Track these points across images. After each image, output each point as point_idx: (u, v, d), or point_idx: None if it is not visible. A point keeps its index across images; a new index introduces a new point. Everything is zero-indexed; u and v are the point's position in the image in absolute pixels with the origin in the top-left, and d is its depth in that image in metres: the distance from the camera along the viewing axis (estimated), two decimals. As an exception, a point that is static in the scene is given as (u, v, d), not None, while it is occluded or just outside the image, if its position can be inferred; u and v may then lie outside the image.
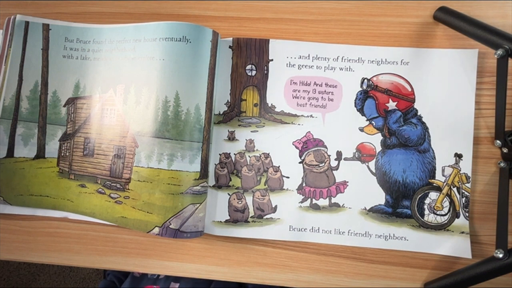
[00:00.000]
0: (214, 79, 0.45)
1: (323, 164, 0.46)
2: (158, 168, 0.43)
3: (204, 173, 0.44)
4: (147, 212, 0.42)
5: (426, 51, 0.46)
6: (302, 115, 0.46)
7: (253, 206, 0.45)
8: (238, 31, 0.48)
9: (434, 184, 0.45)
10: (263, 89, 0.47)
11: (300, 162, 0.46)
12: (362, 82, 0.46)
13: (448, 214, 0.44)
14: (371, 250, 0.45)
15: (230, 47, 0.48)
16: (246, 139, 0.47)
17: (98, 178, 0.45)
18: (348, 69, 0.47)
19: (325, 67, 0.47)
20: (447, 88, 0.45)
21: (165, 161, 0.43)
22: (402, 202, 0.45)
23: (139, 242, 0.46)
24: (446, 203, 0.44)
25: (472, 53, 0.45)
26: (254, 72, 0.47)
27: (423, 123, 0.45)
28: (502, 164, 0.43)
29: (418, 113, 0.46)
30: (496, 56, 0.39)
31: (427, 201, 0.45)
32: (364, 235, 0.44)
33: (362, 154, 0.46)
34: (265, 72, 0.47)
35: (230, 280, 0.45)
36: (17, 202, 0.46)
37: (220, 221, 0.45)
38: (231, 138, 0.47)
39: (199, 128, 0.44)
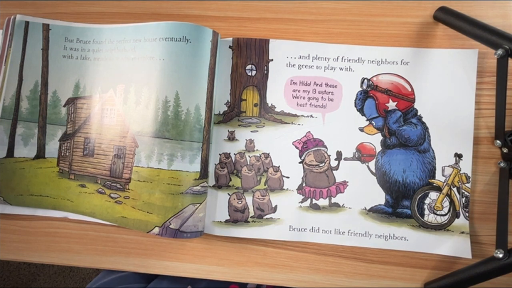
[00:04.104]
0: (214, 79, 0.45)
1: (323, 164, 0.46)
2: (158, 168, 0.43)
3: (204, 173, 0.44)
4: (147, 212, 0.42)
5: (426, 51, 0.46)
6: (302, 115, 0.46)
7: (253, 206, 0.45)
8: (238, 31, 0.48)
9: (434, 184, 0.45)
10: (263, 89, 0.47)
11: (300, 162, 0.46)
12: (362, 82, 0.46)
13: (448, 214, 0.44)
14: (371, 250, 0.45)
15: (230, 47, 0.48)
16: (246, 139, 0.47)
17: (98, 178, 0.45)
18: (348, 69, 0.47)
19: (325, 67, 0.47)
20: (447, 88, 0.45)
21: (165, 161, 0.43)
22: (402, 202, 0.45)
23: (139, 242, 0.46)
24: (446, 203, 0.44)
25: (472, 53, 0.45)
26: (254, 72, 0.47)
27: (423, 123, 0.45)
28: (502, 164, 0.43)
29: (418, 113, 0.46)
30: (496, 56, 0.39)
31: (427, 201, 0.45)
32: (364, 235, 0.44)
33: (362, 154, 0.46)
34: (265, 72, 0.47)
35: (230, 280, 0.45)
36: (17, 202, 0.46)
37: (220, 221, 0.45)
38: (231, 138, 0.47)
39: (199, 128, 0.44)
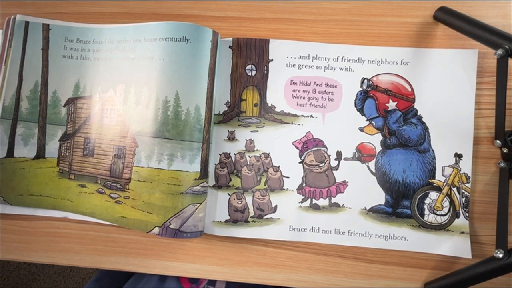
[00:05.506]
0: (214, 79, 0.45)
1: (323, 164, 0.46)
2: (158, 168, 0.43)
3: (204, 173, 0.44)
4: (147, 212, 0.42)
5: (426, 51, 0.46)
6: (302, 115, 0.46)
7: (253, 206, 0.45)
8: (238, 31, 0.48)
9: (434, 184, 0.45)
10: (263, 89, 0.47)
11: (300, 162, 0.46)
12: (362, 82, 0.46)
13: (448, 214, 0.44)
14: (371, 250, 0.45)
15: (230, 47, 0.48)
16: (246, 139, 0.47)
17: (98, 178, 0.45)
18: (348, 69, 0.47)
19: (325, 67, 0.47)
20: (447, 88, 0.45)
21: (165, 161, 0.43)
22: (402, 202, 0.45)
23: (139, 242, 0.46)
24: (446, 203, 0.44)
25: (472, 53, 0.45)
26: (254, 72, 0.47)
27: (423, 123, 0.45)
28: (502, 164, 0.43)
29: (418, 113, 0.46)
30: (496, 56, 0.39)
31: (427, 201, 0.45)
32: (364, 235, 0.44)
33: (362, 154, 0.46)
34: (265, 72, 0.47)
35: (230, 280, 0.45)
36: (17, 202, 0.46)
37: (220, 221, 0.45)
38: (231, 138, 0.47)
39: (199, 128, 0.44)
